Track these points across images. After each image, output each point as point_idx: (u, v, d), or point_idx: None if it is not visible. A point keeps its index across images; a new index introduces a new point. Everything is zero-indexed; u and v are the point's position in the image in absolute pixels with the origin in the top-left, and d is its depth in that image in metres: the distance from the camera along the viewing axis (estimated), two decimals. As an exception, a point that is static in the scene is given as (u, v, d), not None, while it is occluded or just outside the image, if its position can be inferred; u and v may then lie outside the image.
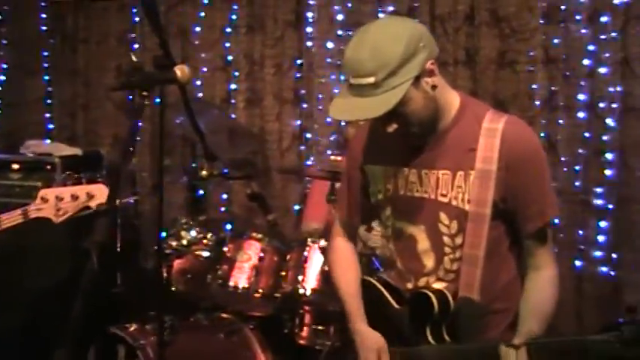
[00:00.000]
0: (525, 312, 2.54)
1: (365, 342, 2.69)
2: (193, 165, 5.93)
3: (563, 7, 4.98)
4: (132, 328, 4.26)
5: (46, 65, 6.74)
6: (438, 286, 2.60)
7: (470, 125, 2.56)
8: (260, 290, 4.47)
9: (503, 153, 2.47)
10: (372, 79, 2.31)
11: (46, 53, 6.72)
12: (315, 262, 4.40)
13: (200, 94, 5.99)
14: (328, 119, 5.71)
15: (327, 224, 4.74)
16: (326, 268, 4.30)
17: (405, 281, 2.73)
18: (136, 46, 6.33)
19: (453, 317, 2.53)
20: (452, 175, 2.55)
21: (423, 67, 2.40)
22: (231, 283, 4.48)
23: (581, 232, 5.04)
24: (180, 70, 2.68)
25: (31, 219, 2.92)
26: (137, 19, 6.34)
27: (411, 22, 2.56)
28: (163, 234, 4.59)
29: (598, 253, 4.98)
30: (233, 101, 6.05)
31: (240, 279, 4.48)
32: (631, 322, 2.07)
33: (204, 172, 4.85)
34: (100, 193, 2.94)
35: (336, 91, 5.66)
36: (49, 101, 6.76)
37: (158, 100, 3.10)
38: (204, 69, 6.06)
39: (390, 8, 5.45)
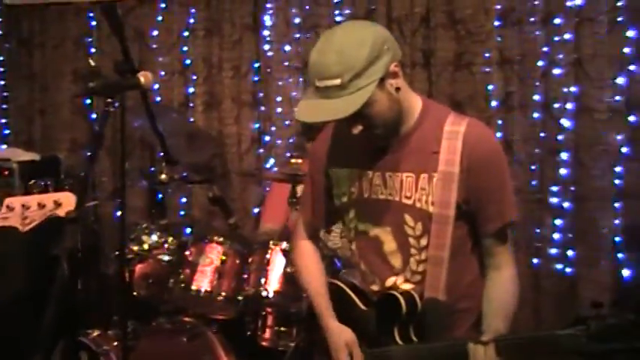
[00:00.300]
0: (489, 311, 2.59)
1: (335, 338, 2.72)
2: (152, 169, 5.94)
3: (517, 9, 5.05)
4: (94, 334, 4.26)
5: (1, 70, 6.69)
6: (406, 287, 2.64)
7: (432, 128, 2.61)
8: (222, 293, 4.46)
9: (465, 155, 2.52)
10: (338, 81, 2.35)
11: (1, 58, 6.67)
12: (277, 264, 4.41)
13: (158, 98, 5.97)
14: (287, 122, 5.74)
15: (284, 226, 4.77)
16: (288, 270, 4.32)
17: (369, 283, 2.78)
18: (93, 50, 6.30)
19: (420, 318, 2.57)
20: (415, 178, 2.59)
21: (388, 69, 2.44)
22: (194, 287, 4.46)
23: (537, 230, 5.10)
24: (144, 77, 2.71)
25: None
26: (94, 23, 6.31)
27: (375, 25, 2.59)
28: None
29: (554, 251, 5.05)
30: (191, 105, 6.05)
31: (203, 282, 4.47)
32: (597, 317, 2.11)
33: (163, 176, 4.87)
34: (67, 200, 2.93)
35: (294, 93, 5.71)
36: (4, 106, 6.71)
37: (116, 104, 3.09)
38: (162, 73, 6.04)
39: (347, 11, 5.49)
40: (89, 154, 2.57)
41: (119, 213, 2.79)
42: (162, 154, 4.48)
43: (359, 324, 2.72)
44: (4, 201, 2.84)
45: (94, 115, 6.23)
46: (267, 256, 4.44)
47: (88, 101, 6.24)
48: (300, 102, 2.53)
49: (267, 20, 5.79)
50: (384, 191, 2.66)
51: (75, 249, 2.43)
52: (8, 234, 2.89)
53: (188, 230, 5.65)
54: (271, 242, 4.48)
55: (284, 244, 4.43)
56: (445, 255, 2.55)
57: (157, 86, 6.03)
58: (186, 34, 6.05)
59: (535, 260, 5.11)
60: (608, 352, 2.08)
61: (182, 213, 6.05)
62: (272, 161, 5.82)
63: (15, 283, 4.89)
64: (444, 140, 2.56)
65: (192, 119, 5.96)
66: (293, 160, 4.73)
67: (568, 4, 4.91)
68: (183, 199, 6.05)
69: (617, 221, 4.89)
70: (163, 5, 6.10)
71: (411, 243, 2.63)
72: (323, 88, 2.39)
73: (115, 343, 4.19)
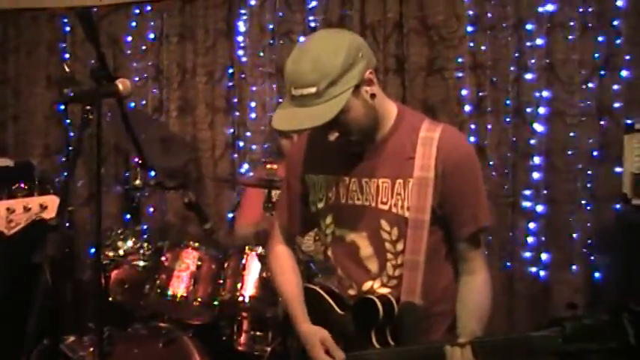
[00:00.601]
0: (464, 313, 2.64)
1: (310, 338, 2.74)
2: (127, 174, 5.93)
3: (489, 15, 5.10)
4: (70, 340, 4.25)
5: (-26, 75, 6.63)
6: (382, 291, 2.68)
7: (407, 134, 2.65)
8: (198, 298, 4.48)
9: (439, 160, 2.57)
10: (313, 89, 2.38)
11: (-26, 63, 6.61)
12: (253, 269, 4.44)
13: (132, 104, 5.96)
14: (261, 127, 5.75)
15: (259, 230, 4.78)
16: (264, 275, 4.35)
17: (346, 288, 2.81)
18: (67, 56, 6.28)
19: (397, 321, 2.61)
20: (391, 183, 2.63)
21: (363, 76, 2.48)
22: (170, 292, 4.48)
23: (511, 233, 5.15)
24: (122, 84, 2.72)
25: None
26: (68, 29, 6.29)
27: (349, 33, 2.63)
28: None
29: (527, 254, 5.10)
30: (165, 110, 6.05)
31: (179, 288, 4.48)
32: (572, 318, 2.15)
33: (137, 182, 4.86)
34: (52, 204, 2.93)
35: (268, 99, 5.72)
36: (-23, 112, 6.65)
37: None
38: (136, 78, 6.02)
39: (321, 17, 5.52)
40: (68, 160, 2.57)
41: (94, 218, 2.78)
42: (137, 159, 4.49)
43: (336, 328, 2.74)
44: None
45: (67, 121, 6.19)
46: (243, 261, 4.47)
47: (62, 107, 6.19)
48: (277, 110, 2.55)
49: (241, 26, 5.79)
50: (360, 197, 2.70)
51: (57, 256, 2.44)
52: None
53: (163, 236, 5.67)
54: (247, 247, 4.51)
55: (260, 249, 4.45)
56: (421, 259, 2.58)
57: (129, 91, 6.00)
58: (160, 39, 6.05)
59: (508, 263, 5.15)
60: (584, 353, 2.13)
61: (157, 218, 6.03)
62: (246, 166, 5.82)
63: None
64: (418, 146, 2.61)
65: (166, 125, 5.93)
66: (268, 166, 4.74)
67: (539, 10, 4.97)
68: (158, 205, 6.03)
69: (589, 224, 4.95)
70: (137, 11, 6.10)
71: (387, 248, 2.66)
72: (299, 97, 2.42)
73: (91, 349, 4.19)
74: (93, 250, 3.33)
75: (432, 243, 2.62)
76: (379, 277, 2.70)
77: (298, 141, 2.98)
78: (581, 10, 4.88)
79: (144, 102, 6.08)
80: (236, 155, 5.89)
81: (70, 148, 5.92)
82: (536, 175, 5.06)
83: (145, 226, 5.03)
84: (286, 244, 3.10)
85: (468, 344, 2.37)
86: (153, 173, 5.26)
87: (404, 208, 2.60)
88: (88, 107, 2.60)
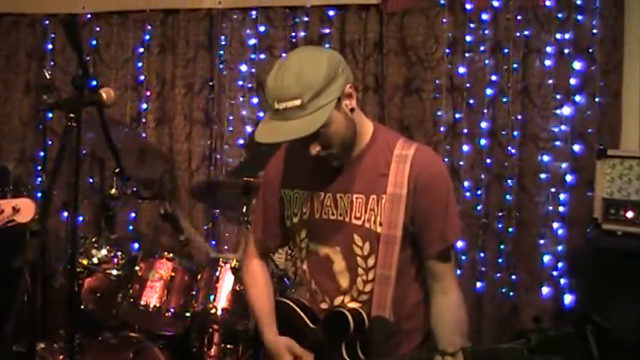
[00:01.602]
0: (446, 331, 2.68)
1: (275, 348, 2.80)
2: (102, 183, 5.91)
3: (468, 38, 5.16)
4: (40, 347, 4.24)
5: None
6: (352, 306, 2.71)
7: (382, 151, 2.69)
8: (171, 309, 4.47)
9: (412, 178, 2.61)
10: (298, 102, 2.41)
11: (-48, 67, 6.59)
12: (226, 281, 4.43)
13: (110, 113, 5.95)
14: (240, 141, 5.77)
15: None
16: (237, 288, 4.35)
17: (318, 302, 2.85)
18: (48, 62, 6.28)
19: (367, 335, 2.63)
20: (365, 199, 2.67)
21: (344, 89, 2.53)
22: (143, 302, 4.46)
23: (482, 254, 5.20)
24: (106, 93, 2.75)
25: None
26: (50, 35, 6.30)
27: (328, 50, 2.75)
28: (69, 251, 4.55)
29: (497, 275, 5.15)
30: (143, 120, 6.06)
31: (152, 298, 4.47)
32: (537, 331, 2.20)
33: (114, 191, 4.86)
34: (25, 207, 2.94)
35: (245, 113, 5.75)
36: (-45, 116, 6.62)
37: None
38: (115, 88, 6.02)
39: (302, 34, 5.56)
40: (52, 167, 2.58)
41: (69, 225, 2.79)
42: (114, 168, 4.49)
43: (307, 342, 2.77)
44: None
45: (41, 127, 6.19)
46: (217, 273, 4.47)
47: (47, 114, 6.18)
48: (259, 125, 2.56)
49: (223, 40, 5.83)
50: (334, 212, 2.74)
51: (36, 261, 2.45)
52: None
53: (136, 245, 5.67)
54: (221, 260, 4.51)
55: (233, 262, 4.46)
56: (392, 275, 2.61)
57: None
58: (140, 50, 6.07)
59: (479, 284, 5.20)
60: None
61: (130, 228, 6.03)
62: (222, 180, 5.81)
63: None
64: (393, 163, 2.65)
65: (143, 135, 5.95)
66: (245, 179, 4.75)
67: (517, 34, 5.04)
68: (132, 215, 6.03)
69: (560, 247, 5.01)
70: (119, 20, 6.11)
71: (358, 262, 2.70)
72: (282, 111, 2.44)
73: (61, 357, 4.18)
74: (67, 257, 3.33)
75: (402, 259, 2.65)
76: (349, 292, 2.73)
77: (275, 158, 2.99)
78: (557, 36, 4.96)
79: (122, 112, 6.07)
80: (212, 168, 5.90)
81: (46, 154, 5.91)
82: (508, 197, 5.11)
83: (118, 235, 5.00)
84: (261, 258, 3.12)
85: (459, 352, 2.41)
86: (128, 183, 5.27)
87: (376, 223, 2.64)
88: (72, 115, 2.62)
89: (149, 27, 6.04)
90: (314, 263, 2.85)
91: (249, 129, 5.75)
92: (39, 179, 6.23)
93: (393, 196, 2.62)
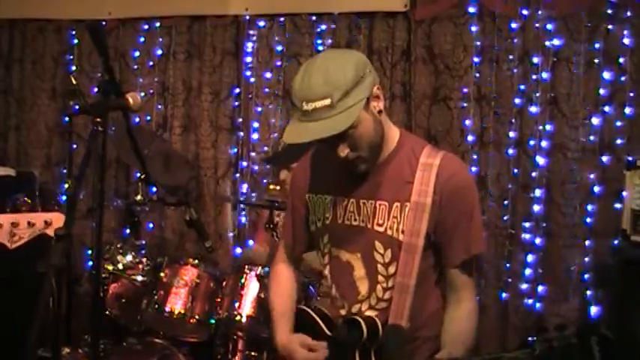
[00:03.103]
0: (447, 339, 2.67)
1: (288, 347, 2.80)
2: (128, 189, 5.93)
3: (496, 47, 5.13)
4: (65, 352, 4.24)
5: (-22, 84, 6.64)
6: (370, 313, 2.71)
7: (407, 158, 2.69)
8: (195, 316, 4.46)
9: (438, 187, 2.60)
10: (327, 101, 2.40)
11: (-21, 72, 6.63)
12: (251, 289, 4.41)
13: (137, 119, 5.97)
14: (264, 148, 5.77)
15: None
16: (262, 295, 4.33)
17: (338, 308, 2.85)
18: (73, 68, 6.30)
19: (382, 343, 2.61)
20: (389, 206, 2.67)
21: (372, 89, 2.53)
22: (167, 309, 4.45)
23: (508, 265, 5.16)
24: (133, 98, 2.73)
25: None
26: (75, 41, 6.32)
27: (354, 51, 2.67)
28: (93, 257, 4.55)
29: (524, 286, 5.10)
30: (169, 127, 6.06)
31: (176, 304, 4.46)
32: (542, 341, 2.13)
33: (139, 197, 4.85)
34: (57, 221, 2.94)
35: (272, 120, 5.74)
36: (-19, 121, 6.66)
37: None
38: (142, 94, 6.02)
39: (329, 41, 5.55)
40: (78, 172, 2.57)
41: (95, 231, 2.78)
42: (140, 174, 4.49)
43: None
44: None
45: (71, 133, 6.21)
46: (242, 280, 4.45)
47: (67, 119, 6.20)
48: (287, 128, 2.56)
49: (249, 46, 5.82)
50: (357, 218, 2.73)
51: (62, 266, 2.46)
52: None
53: (161, 252, 5.66)
54: (246, 267, 4.50)
55: (259, 270, 4.44)
56: (411, 283, 2.60)
57: (134, 106, 6.01)
58: (167, 56, 6.07)
59: (505, 295, 5.16)
60: None
61: (156, 234, 6.03)
62: (245, 187, 5.84)
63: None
64: (418, 171, 2.63)
65: (169, 141, 5.95)
66: (271, 187, 4.74)
67: (546, 43, 5.01)
68: (157, 221, 6.03)
69: (586, 259, 4.97)
70: (145, 27, 6.13)
71: (379, 270, 2.69)
72: (311, 111, 2.44)
73: (85, 362, 4.19)
74: (91, 263, 3.31)
75: (423, 268, 2.64)
76: (367, 299, 2.73)
77: (301, 162, 3.02)
78: (587, 45, 4.92)
79: (148, 118, 6.09)
80: (238, 175, 5.89)
81: (72, 159, 5.92)
82: (536, 208, 5.07)
83: (144, 242, 5.00)
84: (289, 264, 3.13)
85: None
86: (154, 189, 5.27)
87: (399, 231, 2.63)
88: (98, 120, 2.61)
89: (175, 33, 6.04)
90: (335, 269, 2.85)
91: (275, 136, 5.73)
92: (65, 185, 6.24)
93: (416, 204, 2.61)
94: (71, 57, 6.34)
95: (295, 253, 3.12)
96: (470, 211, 2.67)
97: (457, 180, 2.65)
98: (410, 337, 2.66)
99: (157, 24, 6.10)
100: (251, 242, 5.58)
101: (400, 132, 2.77)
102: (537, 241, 5.08)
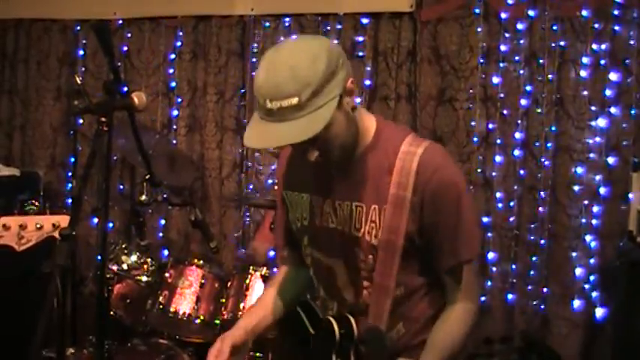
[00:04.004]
0: (432, 338, 2.45)
1: (219, 342, 2.57)
2: (133, 190, 5.92)
3: (502, 48, 5.12)
4: (69, 352, 4.23)
5: (-16, 84, 6.66)
6: (361, 319, 2.47)
7: (385, 152, 2.41)
8: (201, 317, 4.47)
9: (420, 182, 2.32)
10: (295, 100, 2.12)
11: (-16, 72, 6.64)
12: (256, 289, 4.43)
13: (141, 119, 5.96)
14: (270, 148, 5.74)
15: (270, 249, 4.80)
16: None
17: (328, 309, 2.64)
18: (79, 68, 6.31)
19: (361, 344, 2.43)
20: (366, 209, 2.40)
21: (345, 85, 2.24)
22: (172, 309, 4.48)
23: (513, 266, 5.14)
24: (138, 97, 2.72)
25: None
26: (81, 41, 6.34)
27: (324, 39, 2.35)
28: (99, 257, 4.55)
29: (530, 287, 5.10)
30: (174, 127, 6.06)
31: (181, 305, 4.48)
32: (486, 355, 1.95)
33: (144, 197, 4.84)
34: (64, 223, 2.93)
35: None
36: (-15, 120, 6.68)
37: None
38: (147, 94, 6.01)
39: (334, 41, 5.52)
40: (82, 172, 2.57)
41: (100, 232, 2.78)
42: (145, 175, 4.48)
43: (307, 347, 2.62)
44: (0, 219, 2.83)
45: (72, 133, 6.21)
46: (247, 281, 4.46)
47: (72, 119, 6.21)
48: (248, 126, 2.26)
49: (255, 47, 5.81)
50: (334, 220, 2.49)
51: (67, 266, 2.46)
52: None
53: (165, 252, 5.66)
54: (251, 267, 4.50)
55: (264, 270, 4.44)
56: (391, 284, 2.36)
57: (138, 106, 6.01)
58: (172, 56, 6.07)
59: (510, 296, 5.14)
60: None
61: (160, 235, 6.03)
62: (252, 187, 5.83)
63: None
64: (397, 161, 2.35)
65: (174, 142, 5.96)
66: (276, 187, 4.74)
67: (552, 44, 4.99)
68: (162, 221, 6.03)
69: (592, 260, 4.95)
70: (151, 26, 6.13)
71: (362, 276, 2.45)
72: (277, 110, 2.14)
73: (90, 362, 4.18)
74: (96, 264, 3.30)
75: (407, 269, 2.39)
76: (355, 306, 2.49)
77: (280, 158, 2.78)
78: (593, 46, 4.91)
79: (153, 118, 6.08)
80: (243, 175, 5.88)
81: (77, 159, 5.93)
82: (541, 209, 5.06)
83: (148, 242, 5.00)
84: (288, 263, 2.87)
85: None
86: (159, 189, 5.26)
87: (377, 237, 2.37)
88: (103, 119, 2.60)
89: (181, 33, 6.04)
90: (319, 273, 2.63)
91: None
92: (69, 185, 6.25)
93: (395, 197, 2.33)
94: (77, 57, 6.34)
95: (285, 253, 2.88)
96: (459, 212, 2.38)
97: (440, 177, 2.33)
98: (407, 344, 2.48)
99: (162, 24, 6.10)
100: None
101: (377, 122, 2.46)
102: (542, 242, 5.07)
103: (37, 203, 5.15)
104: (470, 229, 2.43)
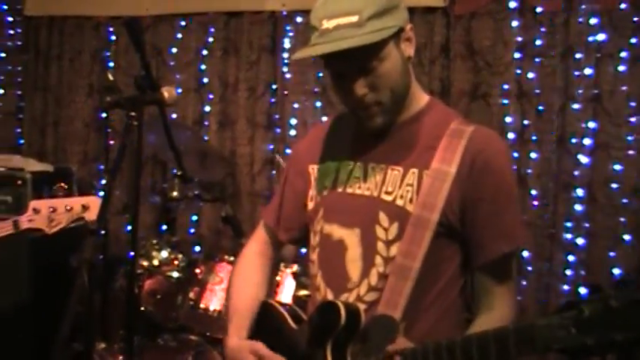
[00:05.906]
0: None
1: (238, 352, 2.28)
2: (164, 185, 5.92)
3: (538, 43, 5.03)
4: (100, 347, 4.24)
5: (18, 80, 6.72)
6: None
7: (433, 124, 2.26)
8: (231, 313, 4.43)
9: (468, 156, 2.15)
10: (355, 18, 2.02)
11: (18, 68, 6.70)
12: (286, 286, 4.40)
13: (173, 115, 5.95)
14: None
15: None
16: (298, 294, 4.29)
17: (317, 300, 2.35)
18: (111, 64, 6.33)
19: (362, 337, 2.09)
20: (403, 172, 2.22)
21: (406, 24, 2.17)
22: (202, 305, 4.45)
23: (548, 265, 5.05)
24: (168, 92, 2.72)
25: (22, 230, 2.91)
26: (112, 37, 6.36)
27: None
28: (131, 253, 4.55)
29: (566, 287, 5.00)
30: (206, 123, 6.04)
31: (211, 301, 4.45)
32: (594, 301, 1.50)
33: (175, 193, 4.85)
34: (93, 204, 2.95)
35: (307, 116, 5.69)
36: (20, 116, 6.74)
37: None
38: (179, 90, 5.97)
39: (367, 37, 5.48)
40: (112, 167, 2.56)
41: (130, 227, 2.76)
42: (176, 171, 4.47)
43: (287, 343, 2.27)
44: (30, 204, 2.86)
45: (108, 129, 6.21)
46: (277, 278, 4.41)
47: (104, 114, 6.22)
48: (303, 48, 2.19)
49: (287, 42, 5.78)
50: (362, 185, 2.28)
51: (94, 260, 2.46)
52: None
53: (197, 248, 5.64)
54: (282, 265, 4.46)
55: (295, 267, 4.40)
56: (415, 266, 2.10)
57: (172, 102, 6.01)
58: (204, 52, 6.05)
59: (545, 296, 5.05)
60: (605, 346, 1.48)
61: (191, 231, 6.01)
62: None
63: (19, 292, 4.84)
64: (445, 137, 2.19)
65: (205, 138, 5.93)
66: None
67: (589, 39, 4.89)
68: (193, 217, 6.01)
69: (630, 260, 4.85)
70: (183, 23, 6.12)
71: (378, 249, 2.19)
72: (332, 30, 2.04)
73: (120, 358, 4.17)
74: (127, 259, 3.28)
75: (436, 254, 2.15)
76: (357, 287, 2.20)
77: (306, 136, 2.68)
78: (632, 40, 4.80)
79: (184, 114, 6.06)
80: (274, 172, 5.84)
81: (109, 155, 5.93)
82: (577, 208, 4.97)
83: (179, 238, 5.00)
84: (263, 251, 2.66)
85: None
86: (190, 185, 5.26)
87: (412, 201, 2.16)
88: (132, 114, 2.59)
89: (212, 29, 6.02)
90: (325, 250, 2.35)
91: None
92: (102, 181, 6.25)
93: (437, 172, 2.14)
94: (108, 54, 6.38)
95: (278, 238, 2.64)
96: (507, 192, 2.20)
97: (493, 151, 2.18)
98: (400, 333, 2.08)
99: (194, 20, 6.09)
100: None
101: (430, 98, 2.35)
102: (579, 241, 4.97)
103: (65, 186, 5.17)
104: (516, 214, 2.26)
